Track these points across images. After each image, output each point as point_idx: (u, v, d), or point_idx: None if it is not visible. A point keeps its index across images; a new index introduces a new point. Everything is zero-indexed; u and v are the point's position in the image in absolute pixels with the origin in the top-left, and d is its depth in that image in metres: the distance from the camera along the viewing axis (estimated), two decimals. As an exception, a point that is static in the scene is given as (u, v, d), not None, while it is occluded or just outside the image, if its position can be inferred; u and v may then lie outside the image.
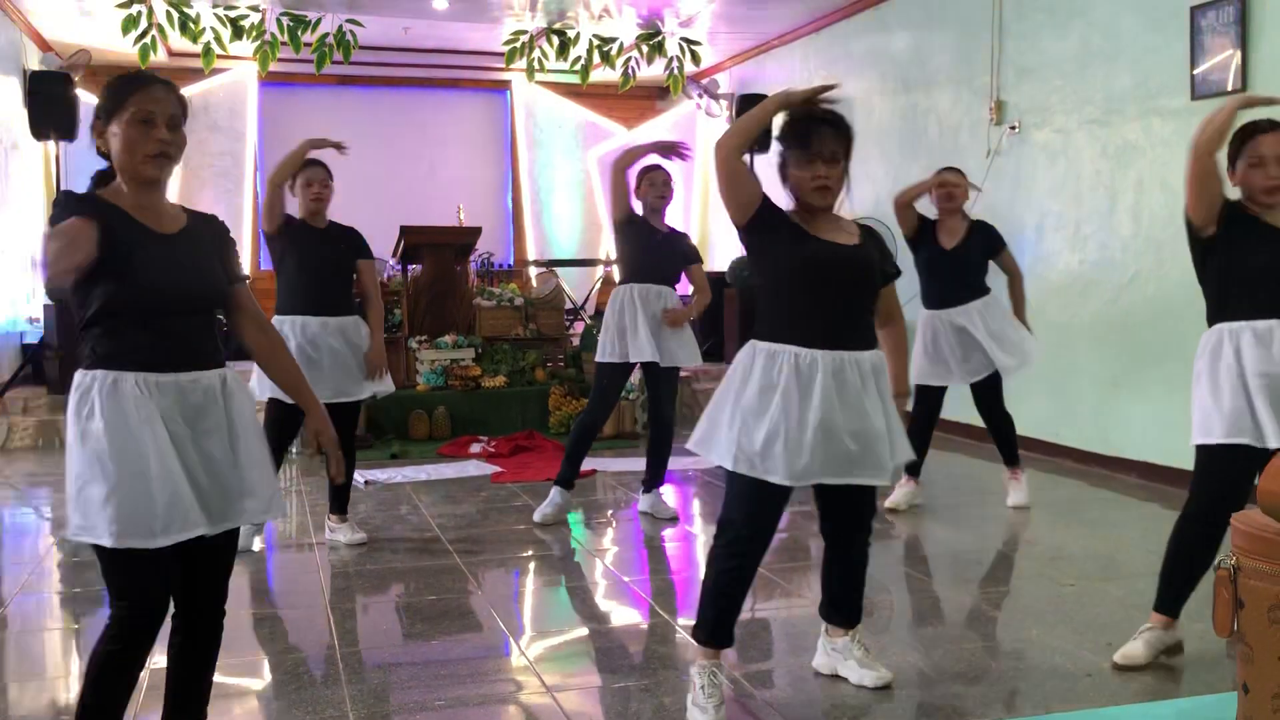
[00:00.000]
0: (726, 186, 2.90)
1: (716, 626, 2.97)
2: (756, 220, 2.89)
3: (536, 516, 5.17)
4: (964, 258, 5.09)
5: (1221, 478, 3.20)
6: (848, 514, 3.09)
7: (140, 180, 2.38)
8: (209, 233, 2.53)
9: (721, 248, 10.61)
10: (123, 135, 2.35)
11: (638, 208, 5.06)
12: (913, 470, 5.28)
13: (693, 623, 3.04)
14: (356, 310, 4.74)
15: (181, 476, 2.32)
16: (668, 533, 5.05)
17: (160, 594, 2.40)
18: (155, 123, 2.35)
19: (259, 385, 4.56)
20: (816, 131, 2.86)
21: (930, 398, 5.21)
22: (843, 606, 3.20)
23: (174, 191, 10.26)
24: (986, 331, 5.05)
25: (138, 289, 2.32)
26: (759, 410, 2.83)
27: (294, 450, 6.97)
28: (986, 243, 5.13)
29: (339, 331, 4.63)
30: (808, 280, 2.87)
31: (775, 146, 2.99)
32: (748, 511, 2.91)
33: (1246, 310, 3.15)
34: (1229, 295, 3.19)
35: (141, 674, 2.45)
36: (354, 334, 4.68)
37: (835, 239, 2.92)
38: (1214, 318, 3.25)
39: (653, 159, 5.04)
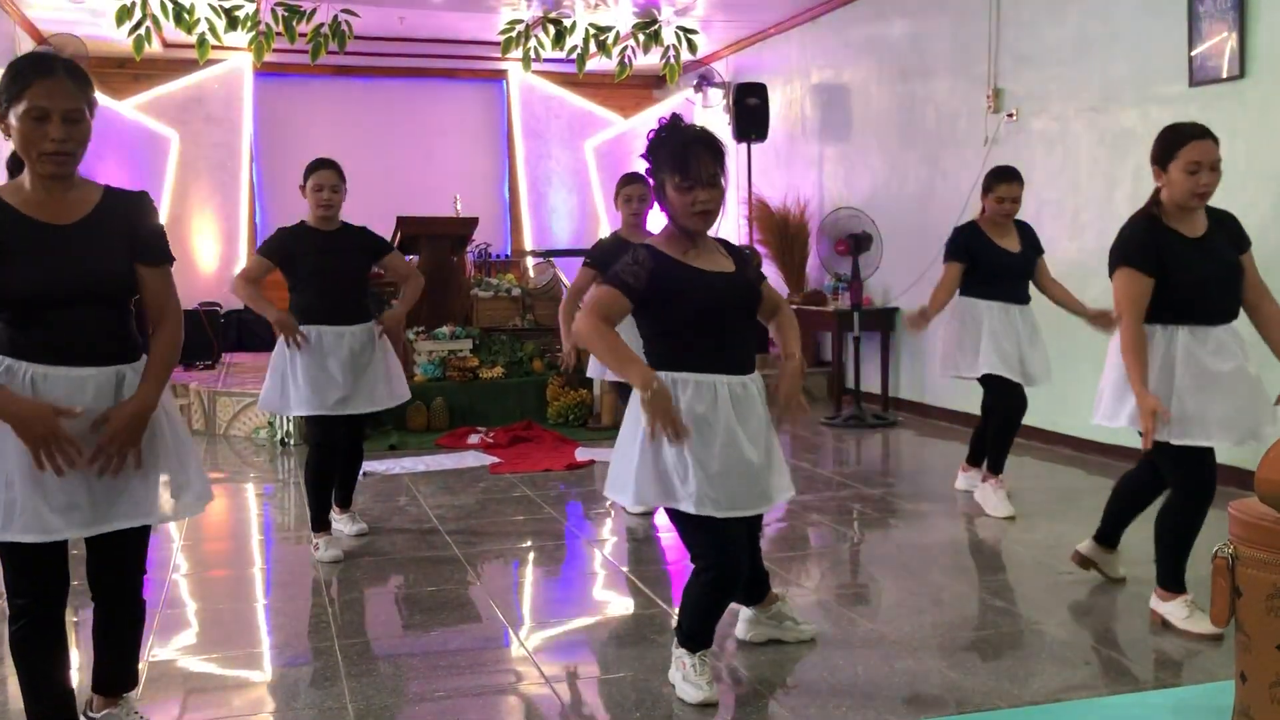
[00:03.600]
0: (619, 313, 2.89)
1: (698, 637, 3.01)
2: (650, 288, 2.86)
3: (633, 509, 5.08)
4: (1030, 259, 5.00)
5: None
6: (749, 524, 3.11)
7: (38, 175, 2.35)
8: (121, 214, 2.45)
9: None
10: (18, 130, 2.31)
11: (618, 222, 5.04)
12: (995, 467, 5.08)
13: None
14: (371, 316, 4.60)
15: (43, 478, 2.30)
16: (665, 523, 5.05)
17: (44, 583, 2.43)
18: (50, 119, 2.29)
19: (293, 400, 4.46)
20: (694, 155, 2.83)
21: (1009, 390, 4.95)
22: (757, 584, 3.34)
23: (169, 185, 10.26)
24: (1028, 340, 4.96)
25: (17, 282, 2.30)
26: (707, 444, 2.83)
27: (290, 442, 6.96)
28: (1033, 242, 5.05)
29: (352, 341, 4.48)
30: (711, 317, 2.88)
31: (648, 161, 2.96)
32: (716, 543, 2.91)
33: (1183, 317, 3.38)
34: (1161, 305, 3.39)
35: (141, 659, 2.45)
36: (368, 343, 4.53)
37: (719, 268, 2.94)
38: (1149, 318, 3.42)
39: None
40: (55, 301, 2.34)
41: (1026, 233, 5.06)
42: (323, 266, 4.46)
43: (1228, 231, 3.49)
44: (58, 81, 2.31)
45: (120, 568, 2.54)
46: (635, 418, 2.92)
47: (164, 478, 2.49)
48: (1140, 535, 3.78)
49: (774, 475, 3.00)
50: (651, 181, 2.97)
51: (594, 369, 5.27)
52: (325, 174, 4.50)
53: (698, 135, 2.89)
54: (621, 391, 4.94)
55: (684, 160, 2.82)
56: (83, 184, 2.45)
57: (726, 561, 2.91)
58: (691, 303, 2.86)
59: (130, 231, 2.46)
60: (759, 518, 3.21)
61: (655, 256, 2.90)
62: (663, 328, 2.92)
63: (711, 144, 2.88)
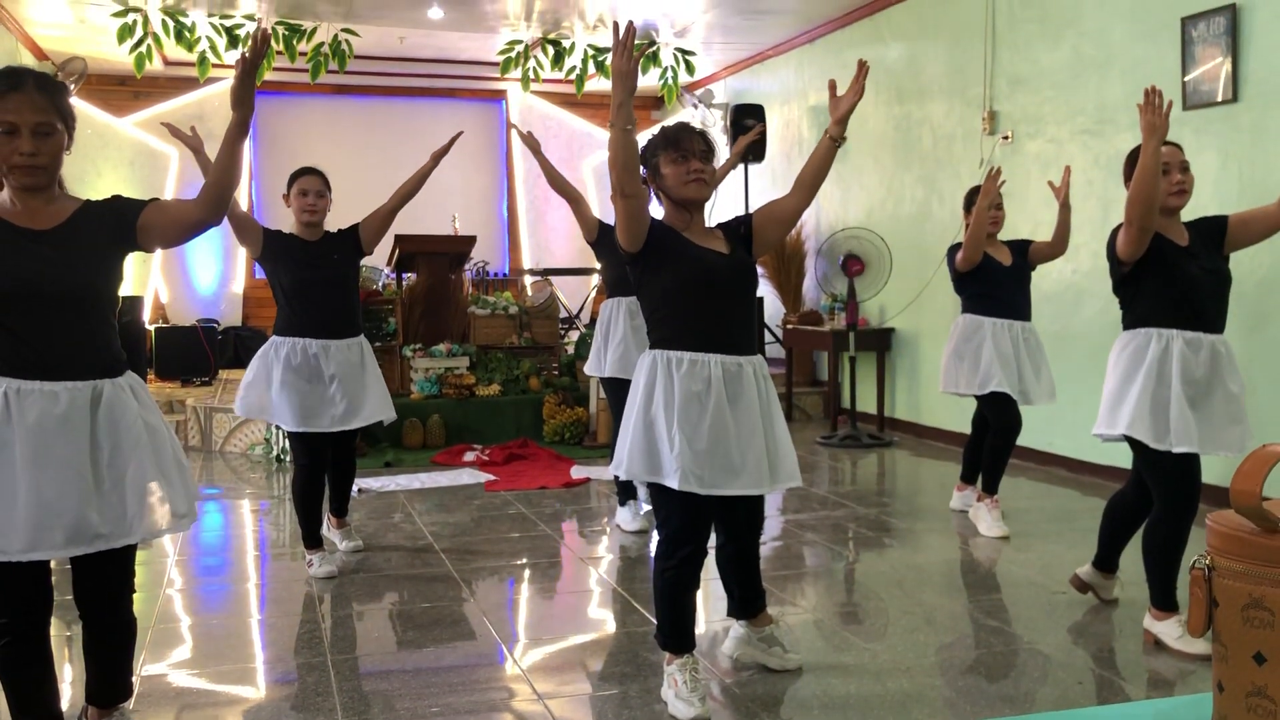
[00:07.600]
0: (631, 224, 2.91)
1: (674, 632, 3.05)
2: (651, 241, 2.96)
3: (630, 527, 5.12)
4: (1023, 269, 5.04)
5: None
6: (749, 515, 3.24)
7: (13, 188, 2.37)
8: (97, 218, 2.46)
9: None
10: None
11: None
12: (989, 486, 5.07)
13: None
14: (362, 330, 4.54)
15: (22, 496, 2.30)
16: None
17: (25, 602, 2.43)
18: (19, 133, 2.31)
19: (275, 409, 4.33)
20: (687, 133, 3.05)
21: (1006, 407, 4.96)
22: (752, 597, 3.36)
23: (169, 200, 10.29)
24: (1031, 359, 4.97)
25: None
26: (695, 422, 2.91)
27: (286, 459, 6.96)
28: (1021, 250, 5.09)
29: (341, 355, 4.38)
30: (706, 293, 2.98)
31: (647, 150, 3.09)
32: (685, 521, 3.00)
33: (1175, 321, 3.45)
34: (1156, 307, 3.48)
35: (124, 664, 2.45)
36: (357, 357, 4.44)
37: (714, 247, 3.05)
38: (1139, 323, 3.53)
39: None
40: (27, 303, 2.33)
41: (1016, 246, 5.13)
42: (308, 280, 4.34)
43: (1205, 238, 3.54)
44: (26, 96, 2.32)
45: (105, 589, 2.53)
46: (646, 388, 3.01)
47: (150, 492, 2.46)
48: (1133, 555, 3.78)
49: (776, 460, 3.03)
50: (649, 183, 3.06)
51: (591, 366, 5.21)
52: (311, 179, 4.45)
53: (688, 124, 3.12)
54: (615, 409, 4.95)
55: (676, 137, 3.03)
56: (64, 197, 2.48)
57: (693, 538, 2.99)
58: (684, 270, 2.96)
59: (110, 227, 2.46)
60: (759, 524, 3.32)
61: (655, 221, 3.03)
62: (660, 302, 3.01)
63: (702, 133, 3.09)
